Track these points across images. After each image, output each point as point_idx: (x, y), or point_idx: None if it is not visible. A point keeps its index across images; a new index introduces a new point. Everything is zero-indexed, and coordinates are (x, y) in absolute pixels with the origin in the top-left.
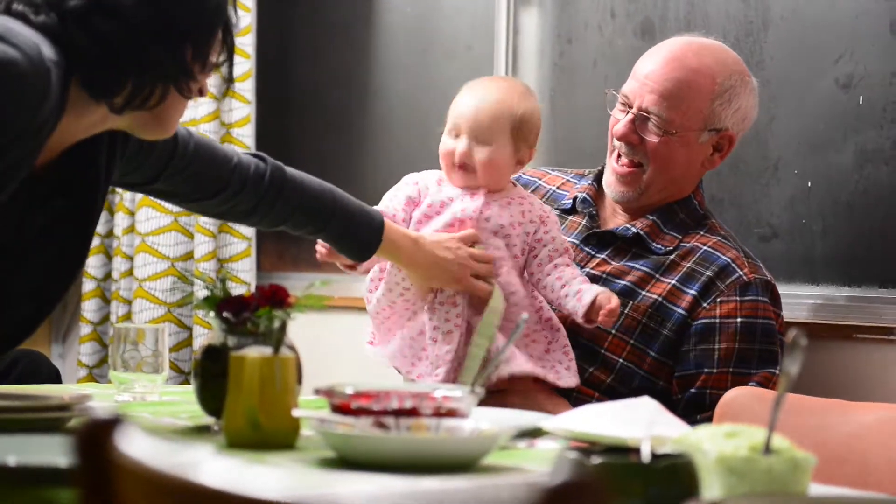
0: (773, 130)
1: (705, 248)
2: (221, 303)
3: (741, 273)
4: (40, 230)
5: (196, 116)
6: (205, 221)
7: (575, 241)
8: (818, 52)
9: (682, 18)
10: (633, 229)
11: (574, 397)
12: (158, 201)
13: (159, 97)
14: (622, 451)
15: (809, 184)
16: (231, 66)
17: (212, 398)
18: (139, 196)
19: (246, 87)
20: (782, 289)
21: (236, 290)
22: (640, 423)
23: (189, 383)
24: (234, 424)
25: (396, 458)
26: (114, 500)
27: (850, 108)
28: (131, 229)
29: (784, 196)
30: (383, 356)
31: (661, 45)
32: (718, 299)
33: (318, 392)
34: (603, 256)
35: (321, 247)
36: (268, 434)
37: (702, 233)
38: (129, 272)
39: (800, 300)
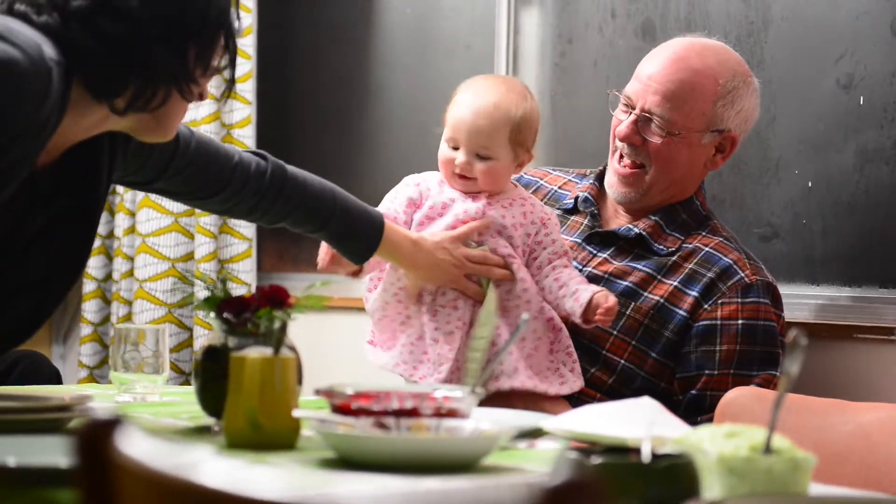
0: (773, 130)
1: (707, 249)
2: (222, 303)
3: (743, 275)
4: (42, 230)
5: (197, 117)
6: (205, 222)
7: (577, 240)
8: (819, 52)
9: (683, 19)
10: (636, 230)
11: (575, 398)
12: (159, 201)
13: (161, 99)
14: (622, 452)
15: (810, 184)
16: (233, 70)
17: (212, 399)
18: (140, 197)
19: (246, 87)
20: (783, 289)
21: (237, 290)
22: (641, 423)
23: (189, 384)
24: (234, 425)
25: (397, 459)
26: (114, 501)
27: (850, 108)
28: (132, 230)
29: (785, 196)
30: (384, 364)
31: (664, 46)
32: (720, 301)
33: (318, 392)
34: (605, 256)
35: (322, 256)
36: (268, 434)
37: (704, 234)
38: (130, 273)
39: (800, 300)
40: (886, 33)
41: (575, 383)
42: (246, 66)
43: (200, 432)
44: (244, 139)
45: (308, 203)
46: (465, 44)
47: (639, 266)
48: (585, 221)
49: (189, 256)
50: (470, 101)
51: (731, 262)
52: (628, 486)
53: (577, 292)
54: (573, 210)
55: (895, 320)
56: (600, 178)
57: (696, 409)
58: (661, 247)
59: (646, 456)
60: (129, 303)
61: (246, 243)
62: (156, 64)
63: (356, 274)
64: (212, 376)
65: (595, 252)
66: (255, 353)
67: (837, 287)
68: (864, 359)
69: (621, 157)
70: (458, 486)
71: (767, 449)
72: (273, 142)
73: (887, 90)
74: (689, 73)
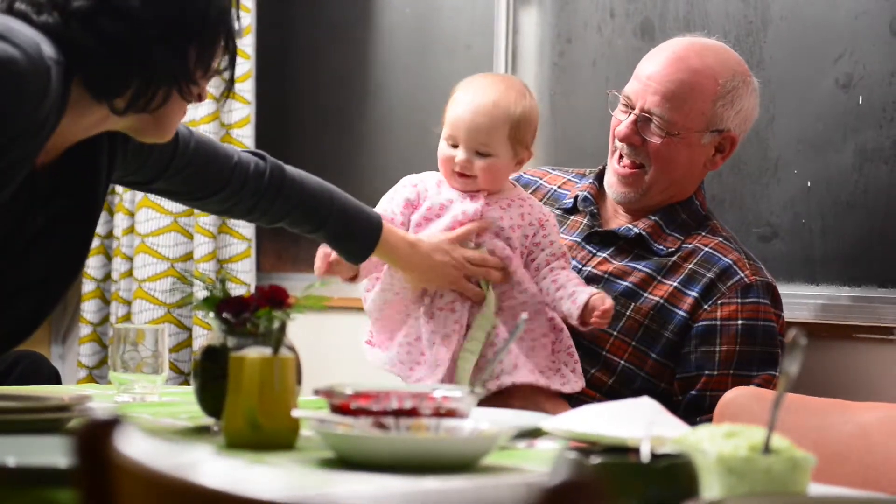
0: (773, 130)
1: (707, 249)
2: (221, 303)
3: (742, 275)
4: (41, 229)
5: (196, 117)
6: (204, 222)
7: (577, 239)
8: (818, 51)
9: (682, 18)
10: (636, 230)
11: (575, 398)
12: (158, 201)
13: (161, 100)
14: (622, 452)
15: (809, 183)
16: (233, 71)
17: (211, 399)
18: (139, 197)
19: (246, 87)
20: (782, 289)
21: (236, 290)
22: (640, 423)
23: (189, 384)
24: (233, 425)
25: (396, 459)
26: (113, 501)
27: (849, 108)
28: (131, 230)
29: (784, 196)
30: (381, 363)
31: (664, 46)
32: (719, 301)
33: (317, 392)
34: (605, 255)
35: (318, 264)
36: (267, 434)
37: (703, 233)
38: (129, 273)
39: (799, 300)
40: (885, 33)
41: (576, 383)
42: (245, 65)
43: (199, 432)
44: (243, 139)
45: (306, 203)
46: (465, 43)
47: (638, 266)
48: (585, 221)
49: (188, 256)
50: (469, 100)
51: (730, 262)
52: (628, 485)
53: (575, 294)
54: (573, 209)
55: (894, 320)
56: (600, 177)
57: (695, 410)
58: (661, 247)
59: (645, 456)
60: (129, 303)
61: (245, 243)
62: (156, 64)
63: (353, 279)
64: (211, 376)
65: (594, 252)
66: (255, 353)
67: (837, 287)
68: (863, 358)
69: (621, 157)
70: (458, 486)
71: (766, 449)
72: (272, 142)
73: (886, 90)
74: (689, 73)
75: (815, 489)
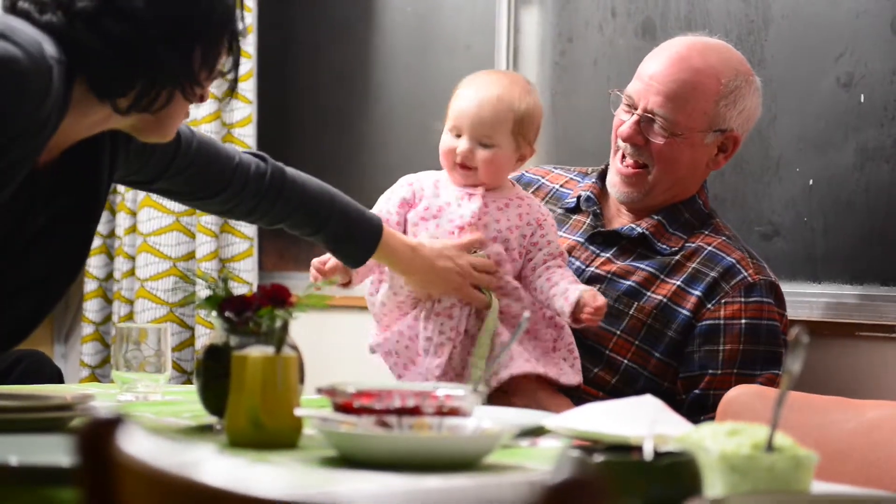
0: (774, 129)
1: (710, 248)
2: (223, 302)
3: (746, 274)
4: (42, 228)
5: (197, 117)
6: (206, 221)
7: (580, 239)
8: (819, 50)
9: (683, 17)
10: (639, 229)
11: (578, 398)
12: (160, 201)
13: (165, 100)
14: (624, 450)
15: (811, 182)
16: (236, 72)
17: (214, 398)
18: (141, 196)
19: (247, 87)
20: (784, 287)
21: (238, 289)
22: (643, 421)
23: (191, 383)
24: (236, 424)
25: (399, 457)
26: (116, 500)
27: (851, 107)
28: (133, 229)
29: (786, 194)
30: (379, 343)
31: (666, 46)
32: (723, 300)
33: (320, 391)
34: (608, 255)
35: (314, 274)
36: (270, 433)
37: (706, 233)
38: (131, 272)
39: (802, 298)
40: (886, 31)
41: (573, 377)
42: (246, 65)
43: (202, 431)
44: (245, 138)
45: (307, 205)
46: (466, 43)
47: (642, 265)
48: (588, 221)
49: (190, 255)
50: (473, 94)
51: (734, 261)
52: (630, 484)
53: (567, 291)
54: (575, 209)
55: None
56: (602, 176)
57: (699, 409)
58: (664, 246)
59: (648, 454)
60: (131, 302)
61: (247, 242)
62: (161, 65)
63: (346, 285)
64: (213, 375)
65: (598, 252)
66: (257, 351)
67: (839, 285)
68: (865, 356)
69: (623, 156)
70: (460, 485)
71: (769, 447)
72: (273, 141)
73: (887, 88)
74: (692, 73)
75: (818, 487)
